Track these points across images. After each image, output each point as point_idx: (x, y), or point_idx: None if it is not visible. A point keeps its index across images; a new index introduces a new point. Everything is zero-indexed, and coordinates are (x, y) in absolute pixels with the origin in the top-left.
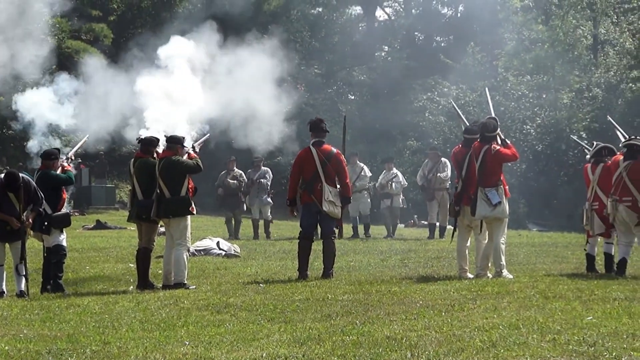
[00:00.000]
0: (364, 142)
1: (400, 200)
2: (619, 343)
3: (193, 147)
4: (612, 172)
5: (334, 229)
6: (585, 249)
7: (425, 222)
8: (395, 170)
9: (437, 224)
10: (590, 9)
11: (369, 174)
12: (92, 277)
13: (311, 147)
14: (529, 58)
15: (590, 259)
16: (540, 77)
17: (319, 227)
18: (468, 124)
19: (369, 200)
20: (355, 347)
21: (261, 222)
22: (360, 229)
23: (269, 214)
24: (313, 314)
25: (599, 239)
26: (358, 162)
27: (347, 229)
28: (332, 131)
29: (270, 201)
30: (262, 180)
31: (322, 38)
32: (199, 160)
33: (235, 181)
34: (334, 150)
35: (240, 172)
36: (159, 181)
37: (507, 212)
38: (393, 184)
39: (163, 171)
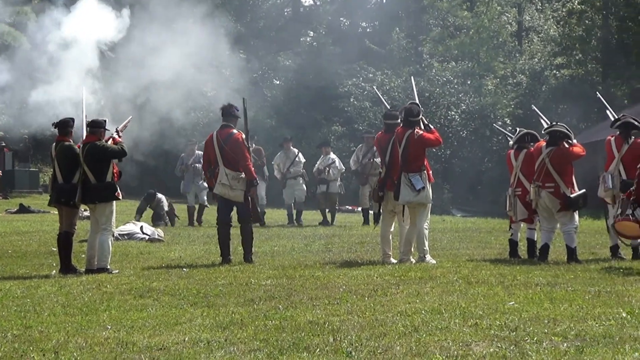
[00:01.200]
0: (289, 127)
1: (337, 186)
2: (541, 328)
3: (117, 131)
4: (535, 158)
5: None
6: (508, 235)
7: (350, 207)
8: (332, 155)
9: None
10: None
11: (303, 159)
12: (14, 261)
13: (215, 132)
14: (453, 44)
15: (513, 244)
16: (465, 63)
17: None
18: (389, 109)
19: (304, 186)
20: (277, 332)
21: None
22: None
23: (205, 197)
24: (236, 298)
25: (522, 224)
26: (292, 147)
27: (283, 215)
28: (257, 116)
29: (206, 185)
30: (197, 165)
31: (248, 23)
32: (123, 144)
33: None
34: (234, 132)
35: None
36: (83, 167)
37: (431, 198)
38: (330, 170)
39: (88, 157)
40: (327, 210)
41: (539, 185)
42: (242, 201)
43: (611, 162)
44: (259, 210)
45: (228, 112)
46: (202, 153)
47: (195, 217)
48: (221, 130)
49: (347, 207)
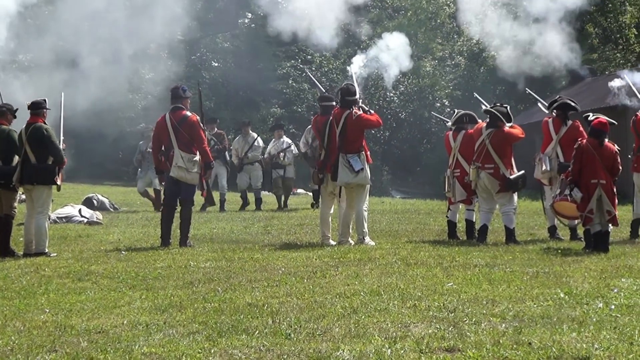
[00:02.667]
0: (228, 109)
1: (293, 171)
2: (479, 309)
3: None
4: (475, 140)
5: (201, 196)
6: (446, 216)
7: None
8: (286, 138)
9: None
10: None
11: (262, 144)
12: None
13: (167, 114)
14: (392, 26)
15: (452, 225)
16: None
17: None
18: (324, 91)
19: (260, 172)
20: (216, 314)
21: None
22: (251, 198)
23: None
24: (175, 281)
25: (461, 206)
26: (251, 132)
27: (236, 198)
28: (195, 98)
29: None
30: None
31: (186, 4)
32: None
33: None
34: (188, 114)
35: None
36: (25, 147)
37: (369, 179)
38: (286, 154)
39: (31, 137)
40: (282, 195)
41: (479, 166)
42: (197, 183)
43: (548, 144)
44: (221, 198)
45: (177, 93)
46: None
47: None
48: (173, 112)
49: (299, 190)
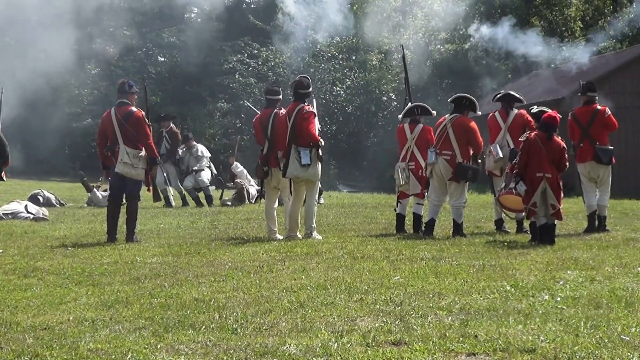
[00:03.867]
0: (174, 104)
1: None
2: (426, 302)
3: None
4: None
5: (147, 192)
6: (394, 209)
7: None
8: (199, 146)
9: None
10: None
11: (207, 154)
12: None
13: (112, 109)
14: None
15: (401, 218)
16: (349, 38)
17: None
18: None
19: (207, 173)
20: (163, 310)
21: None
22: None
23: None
24: (121, 277)
25: (411, 199)
26: (194, 143)
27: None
28: (141, 93)
29: None
30: None
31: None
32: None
33: None
34: (133, 109)
35: None
36: None
37: (319, 176)
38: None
39: None
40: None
41: (436, 152)
42: (143, 179)
43: (495, 137)
44: (165, 194)
45: (122, 88)
46: None
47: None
48: (119, 107)
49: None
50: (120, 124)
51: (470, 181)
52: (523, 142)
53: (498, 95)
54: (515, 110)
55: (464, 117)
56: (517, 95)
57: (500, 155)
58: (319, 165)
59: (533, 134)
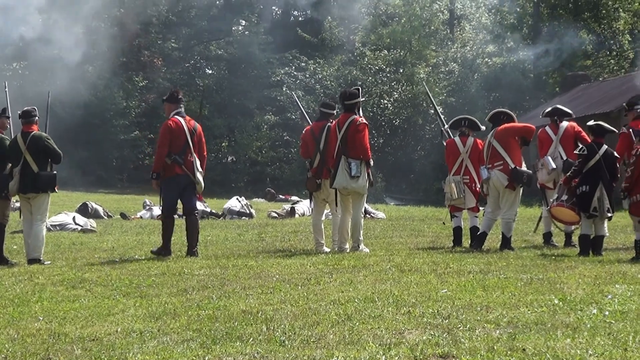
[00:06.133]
0: (222, 116)
1: None
2: (473, 315)
3: None
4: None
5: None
6: (444, 223)
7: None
8: None
9: None
10: None
11: None
12: None
13: (181, 118)
14: (385, 33)
15: (458, 232)
16: (397, 51)
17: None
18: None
19: None
20: (210, 321)
21: None
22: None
23: None
24: (169, 288)
25: (464, 212)
26: None
27: None
28: (189, 105)
29: None
30: None
31: (179, 12)
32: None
33: None
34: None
35: None
36: (25, 156)
37: (367, 188)
38: None
39: (31, 146)
40: None
41: (489, 167)
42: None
43: (547, 150)
44: None
45: (174, 98)
46: None
47: None
48: (182, 116)
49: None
50: (192, 134)
51: (525, 185)
52: (636, 157)
53: (547, 110)
54: (566, 123)
55: (501, 126)
56: (566, 110)
57: (554, 166)
58: (367, 180)
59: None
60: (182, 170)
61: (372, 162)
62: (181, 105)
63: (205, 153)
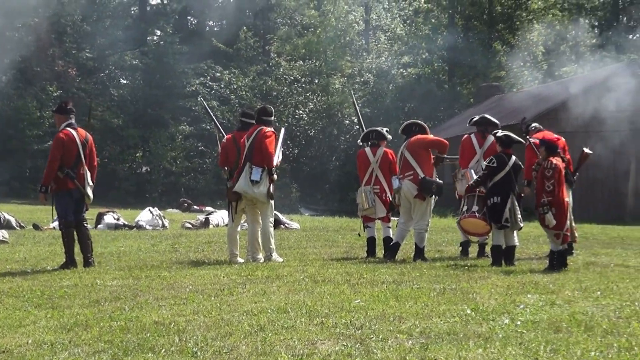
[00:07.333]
0: (137, 127)
1: None
2: (386, 325)
3: None
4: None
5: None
6: (359, 234)
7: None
8: None
9: None
10: None
11: None
12: None
13: (73, 130)
14: (301, 43)
15: (372, 242)
16: (312, 62)
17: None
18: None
19: None
20: (122, 333)
21: None
22: None
23: None
24: (81, 299)
25: (377, 223)
26: None
27: None
28: (104, 115)
29: None
30: None
31: (94, 21)
32: None
33: None
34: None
35: None
36: None
37: (268, 197)
38: None
39: None
40: None
41: (400, 177)
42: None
43: (470, 159)
44: None
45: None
46: None
47: None
48: (75, 129)
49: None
50: (83, 146)
51: (435, 195)
52: (553, 171)
53: (475, 119)
54: (491, 136)
55: (413, 137)
56: (494, 120)
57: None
58: (270, 186)
59: (556, 160)
60: (74, 184)
61: (275, 176)
62: (71, 116)
63: (95, 164)
